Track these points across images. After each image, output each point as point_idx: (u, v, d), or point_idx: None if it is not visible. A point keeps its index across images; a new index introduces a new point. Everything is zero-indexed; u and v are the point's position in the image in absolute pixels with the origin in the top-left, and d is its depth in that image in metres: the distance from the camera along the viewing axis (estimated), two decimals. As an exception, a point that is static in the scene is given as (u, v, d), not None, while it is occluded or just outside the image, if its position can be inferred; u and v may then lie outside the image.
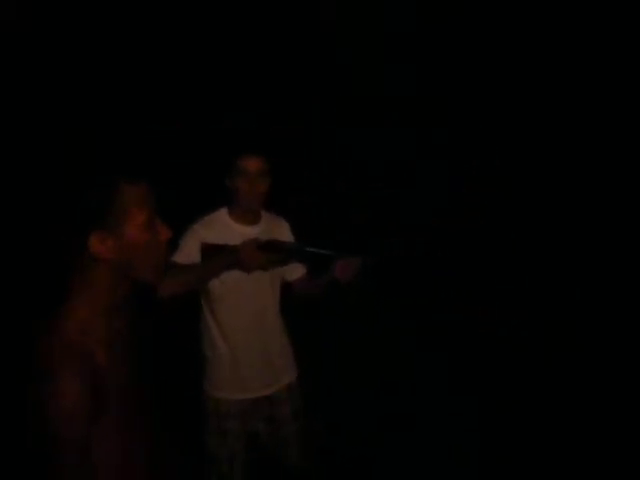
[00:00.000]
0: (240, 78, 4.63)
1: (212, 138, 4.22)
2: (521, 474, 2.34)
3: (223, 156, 1.86)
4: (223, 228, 1.83)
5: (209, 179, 2.17)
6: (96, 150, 1.00)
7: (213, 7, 4.57)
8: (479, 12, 4.40)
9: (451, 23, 4.47)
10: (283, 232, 1.98)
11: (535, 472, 2.34)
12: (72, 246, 0.95)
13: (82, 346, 0.93)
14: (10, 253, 3.20)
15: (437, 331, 3.41)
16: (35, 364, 0.91)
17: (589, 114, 4.13)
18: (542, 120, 4.36)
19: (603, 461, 2.34)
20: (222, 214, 1.87)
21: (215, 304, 1.85)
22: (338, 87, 4.61)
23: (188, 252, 1.78)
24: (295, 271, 2.02)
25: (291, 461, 1.95)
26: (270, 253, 1.68)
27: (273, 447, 1.94)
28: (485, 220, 4.33)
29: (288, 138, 4.30)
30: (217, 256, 1.74)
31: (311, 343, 2.05)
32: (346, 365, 3.12)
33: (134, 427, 1.01)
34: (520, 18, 4.30)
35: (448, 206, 4.56)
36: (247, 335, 1.84)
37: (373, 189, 4.74)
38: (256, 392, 1.89)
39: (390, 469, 2.41)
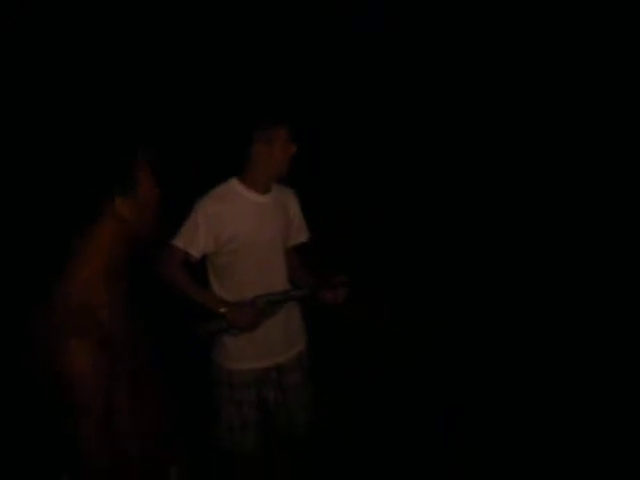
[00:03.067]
0: (240, 78, 4.64)
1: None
2: (521, 473, 2.33)
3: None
4: (236, 199, 1.77)
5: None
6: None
7: (213, 7, 4.58)
8: (479, 12, 4.41)
9: (451, 23, 4.48)
10: (292, 203, 1.95)
11: (535, 472, 2.33)
12: (88, 213, 1.00)
13: (85, 306, 0.95)
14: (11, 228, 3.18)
15: (438, 331, 3.39)
16: (39, 333, 0.93)
17: (589, 114, 4.13)
18: (542, 120, 4.36)
19: (603, 461, 2.32)
20: (234, 184, 1.80)
21: (224, 275, 1.80)
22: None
23: (199, 242, 1.73)
24: (298, 236, 1.99)
25: (298, 429, 1.94)
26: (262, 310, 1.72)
27: (281, 415, 1.92)
28: (484, 220, 4.32)
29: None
30: (210, 299, 1.75)
31: (310, 342, 2.04)
32: (345, 364, 3.11)
33: (144, 381, 1.04)
34: (520, 18, 4.30)
35: (448, 206, 4.56)
36: None
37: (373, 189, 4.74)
38: (269, 360, 1.86)
39: (389, 466, 2.40)
